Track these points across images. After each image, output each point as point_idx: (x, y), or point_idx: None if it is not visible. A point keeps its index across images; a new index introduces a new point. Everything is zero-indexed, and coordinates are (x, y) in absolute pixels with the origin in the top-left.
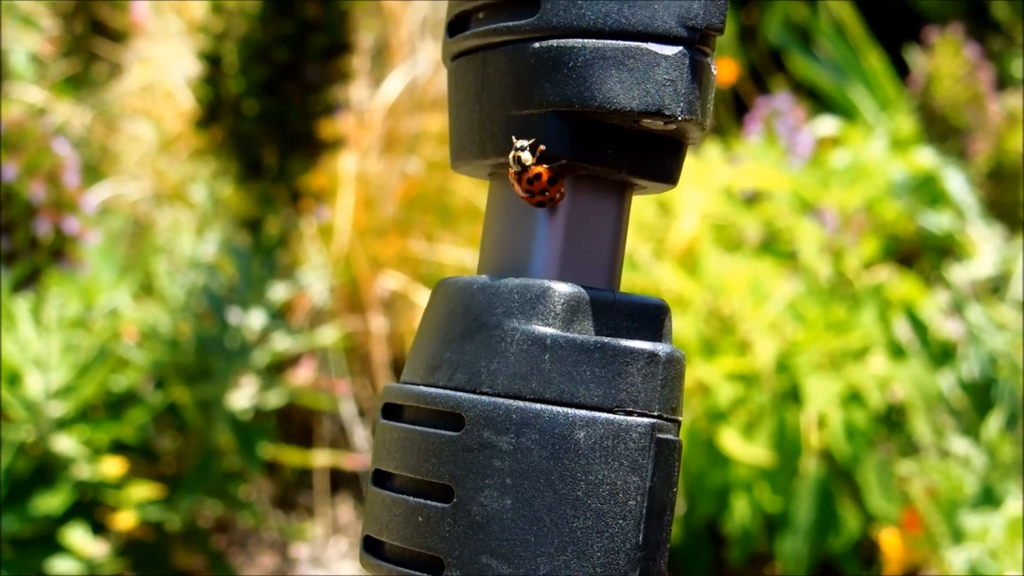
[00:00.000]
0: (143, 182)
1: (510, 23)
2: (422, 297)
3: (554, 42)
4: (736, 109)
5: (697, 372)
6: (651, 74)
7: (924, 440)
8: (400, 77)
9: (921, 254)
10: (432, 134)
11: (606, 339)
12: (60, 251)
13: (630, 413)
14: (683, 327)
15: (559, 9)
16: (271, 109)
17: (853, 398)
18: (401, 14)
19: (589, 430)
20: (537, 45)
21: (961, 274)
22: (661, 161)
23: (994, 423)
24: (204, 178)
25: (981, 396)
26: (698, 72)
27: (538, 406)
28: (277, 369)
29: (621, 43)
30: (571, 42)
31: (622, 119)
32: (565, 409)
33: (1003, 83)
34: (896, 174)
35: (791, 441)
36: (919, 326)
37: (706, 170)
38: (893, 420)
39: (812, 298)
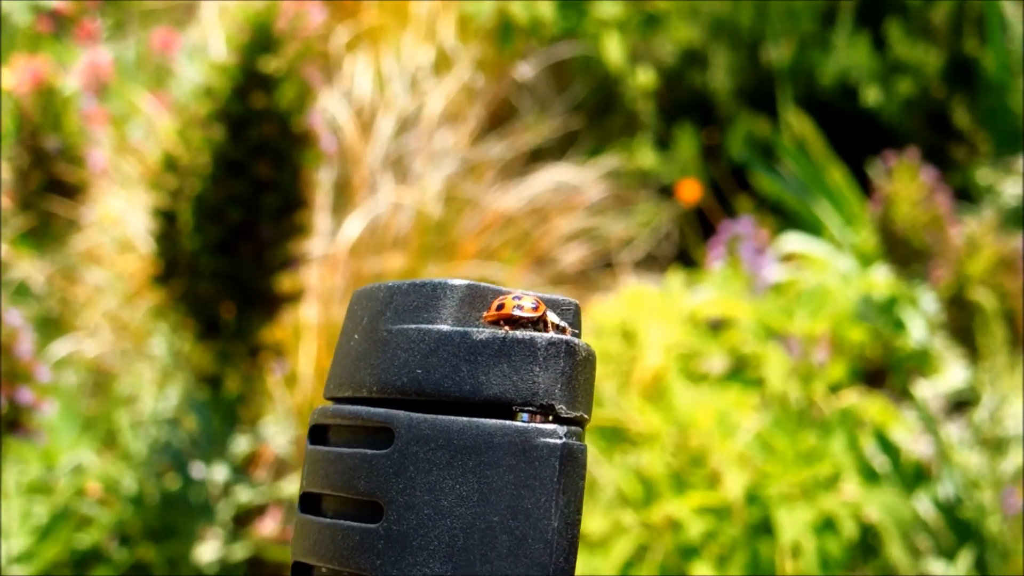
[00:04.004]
0: (104, 335)
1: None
2: None
3: None
4: (702, 228)
5: (667, 508)
6: None
7: (900, 565)
8: (361, 216)
9: (888, 374)
10: (394, 274)
11: (503, 332)
12: (15, 422)
13: (535, 413)
14: (651, 462)
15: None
16: (226, 267)
17: (826, 526)
18: (361, 153)
19: (500, 439)
20: None
21: (928, 390)
22: None
23: (962, 563)
24: (164, 332)
25: (957, 517)
26: None
27: (455, 419)
28: (244, 520)
29: None
30: None
31: None
32: (479, 420)
33: (968, 193)
34: (860, 296)
35: (765, 573)
36: (890, 449)
37: (670, 300)
38: (868, 546)
39: (780, 428)
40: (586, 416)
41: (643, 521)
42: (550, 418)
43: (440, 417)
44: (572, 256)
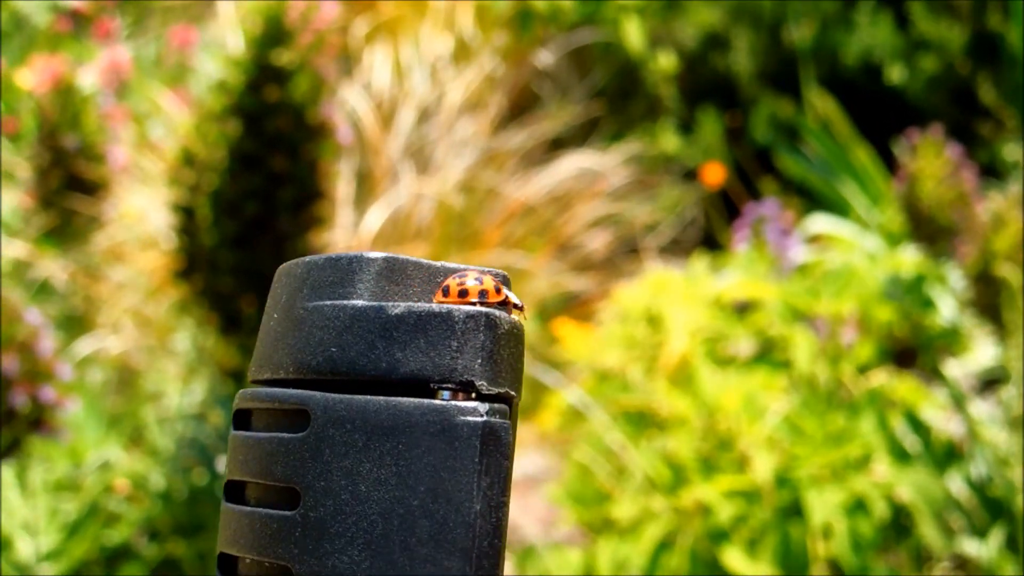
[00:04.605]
0: (127, 332)
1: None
2: None
3: None
4: (726, 211)
5: (696, 492)
6: None
7: (933, 545)
8: (383, 208)
9: (918, 353)
10: None
11: (421, 306)
12: (38, 420)
13: (455, 391)
14: (679, 446)
15: None
16: (244, 262)
17: (857, 507)
18: (382, 144)
19: (418, 418)
20: None
21: (958, 369)
22: None
23: (993, 542)
24: (188, 327)
25: (989, 496)
26: None
27: (372, 399)
28: None
29: None
30: None
31: None
32: (396, 400)
33: (994, 169)
34: (887, 275)
35: (796, 556)
36: (920, 428)
37: (695, 284)
38: (900, 526)
39: (809, 409)
40: (512, 392)
41: (672, 506)
42: (471, 395)
43: (356, 397)
44: (596, 242)
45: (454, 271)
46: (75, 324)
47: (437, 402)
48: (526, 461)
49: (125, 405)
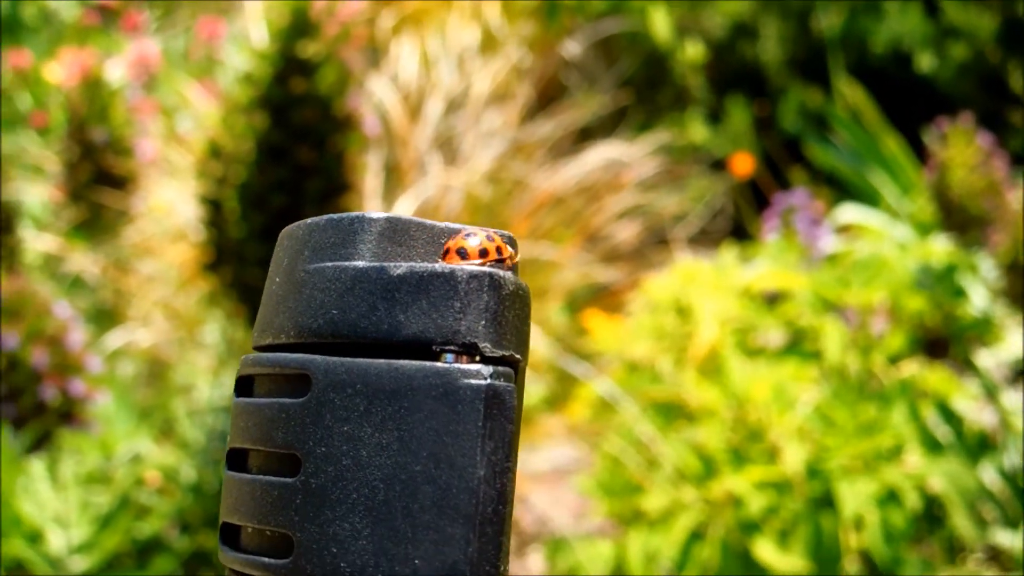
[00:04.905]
0: (157, 325)
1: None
2: None
3: None
4: (755, 201)
5: (726, 483)
6: None
7: (966, 536)
8: (411, 199)
9: (949, 343)
10: None
11: (423, 265)
12: (68, 413)
13: (459, 353)
14: (709, 437)
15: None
16: (272, 253)
17: (889, 498)
18: (409, 135)
19: (420, 381)
20: None
21: (990, 359)
22: None
23: None
24: (217, 320)
25: (1022, 486)
26: None
27: (373, 361)
28: None
29: None
30: None
31: None
32: (398, 363)
33: None
34: (918, 264)
35: (828, 547)
36: (952, 419)
37: (724, 274)
38: (933, 517)
39: (840, 400)
40: (516, 355)
41: (703, 497)
42: (475, 358)
43: (357, 360)
44: (625, 233)
45: (457, 231)
46: (105, 317)
47: (440, 365)
48: (556, 452)
49: (155, 397)
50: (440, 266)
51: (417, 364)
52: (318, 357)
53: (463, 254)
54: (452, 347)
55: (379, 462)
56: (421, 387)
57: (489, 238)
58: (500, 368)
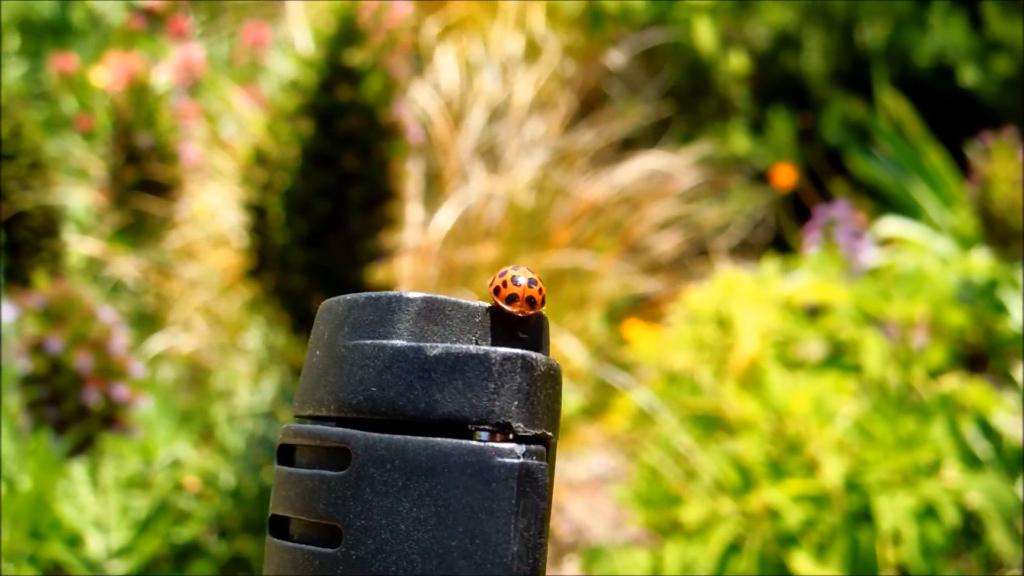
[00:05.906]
0: (199, 330)
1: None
2: None
3: None
4: (797, 213)
5: (764, 495)
6: None
7: (1004, 552)
8: (453, 207)
9: (990, 357)
10: (487, 265)
11: (459, 347)
12: (111, 417)
13: (492, 432)
14: (748, 449)
15: None
16: (315, 260)
17: (927, 513)
18: (452, 143)
19: (456, 459)
20: None
21: None
22: None
23: None
24: (259, 326)
25: None
26: None
27: (411, 438)
28: None
29: None
30: None
31: None
32: (434, 440)
33: None
34: (959, 279)
35: (865, 562)
36: (992, 434)
37: (765, 286)
38: (971, 532)
39: (879, 413)
40: (548, 433)
41: (741, 509)
42: (508, 437)
43: (395, 437)
44: (666, 244)
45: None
46: (147, 322)
47: (474, 443)
48: (594, 462)
49: (196, 403)
50: (475, 348)
51: (453, 442)
52: (358, 432)
53: (511, 300)
54: (487, 426)
55: (417, 536)
56: (457, 464)
57: (531, 283)
58: (533, 447)
